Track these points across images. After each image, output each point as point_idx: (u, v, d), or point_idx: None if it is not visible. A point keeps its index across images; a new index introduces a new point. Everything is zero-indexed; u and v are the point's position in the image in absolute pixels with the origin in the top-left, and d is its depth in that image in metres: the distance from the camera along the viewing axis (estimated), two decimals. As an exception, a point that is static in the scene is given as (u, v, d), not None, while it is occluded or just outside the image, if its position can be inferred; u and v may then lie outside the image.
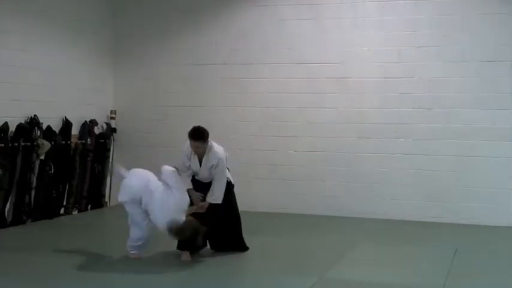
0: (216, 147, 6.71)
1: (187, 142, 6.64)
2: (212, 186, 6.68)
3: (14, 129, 8.40)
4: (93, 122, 9.93)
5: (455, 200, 9.11)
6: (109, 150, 10.25)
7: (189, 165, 6.70)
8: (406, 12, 9.32)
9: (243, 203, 9.81)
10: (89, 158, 9.79)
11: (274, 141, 9.87)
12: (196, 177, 6.83)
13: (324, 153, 9.68)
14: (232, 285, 5.93)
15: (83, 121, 9.77)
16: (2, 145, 8.14)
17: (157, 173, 6.56)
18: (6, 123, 8.27)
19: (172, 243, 6.75)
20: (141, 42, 10.47)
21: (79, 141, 9.64)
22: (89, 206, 9.90)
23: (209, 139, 6.64)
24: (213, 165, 6.63)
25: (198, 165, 6.69)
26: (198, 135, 6.56)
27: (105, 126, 10.23)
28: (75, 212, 9.57)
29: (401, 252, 7.31)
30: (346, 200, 9.55)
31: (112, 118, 10.38)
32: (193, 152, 6.65)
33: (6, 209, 8.34)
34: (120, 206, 6.90)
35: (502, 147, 8.96)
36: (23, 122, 8.57)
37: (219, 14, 10.16)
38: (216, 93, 10.16)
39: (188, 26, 10.29)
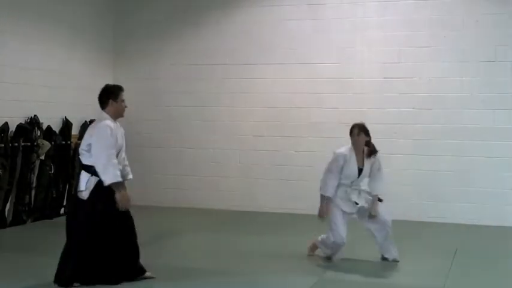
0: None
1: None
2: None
3: (14, 129, 8.40)
4: (93, 122, 9.91)
5: (455, 200, 9.11)
6: (109, 150, 10.22)
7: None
8: (406, 12, 9.33)
9: (243, 203, 9.92)
10: (89, 158, 9.77)
11: (275, 141, 9.87)
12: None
13: (324, 154, 9.65)
14: (232, 285, 5.92)
15: (83, 121, 9.77)
16: (2, 145, 8.14)
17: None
18: (6, 123, 8.27)
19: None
20: (141, 42, 10.47)
21: (79, 141, 9.61)
22: (89, 206, 9.88)
23: None
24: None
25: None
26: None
27: (105, 126, 10.21)
28: (75, 212, 9.55)
29: (402, 252, 7.29)
30: (346, 200, 9.52)
31: (112, 118, 10.36)
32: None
33: (6, 209, 8.34)
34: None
35: (502, 147, 8.96)
36: (23, 122, 8.57)
37: (219, 14, 10.16)
38: (216, 93, 10.15)
39: (188, 26, 10.29)
